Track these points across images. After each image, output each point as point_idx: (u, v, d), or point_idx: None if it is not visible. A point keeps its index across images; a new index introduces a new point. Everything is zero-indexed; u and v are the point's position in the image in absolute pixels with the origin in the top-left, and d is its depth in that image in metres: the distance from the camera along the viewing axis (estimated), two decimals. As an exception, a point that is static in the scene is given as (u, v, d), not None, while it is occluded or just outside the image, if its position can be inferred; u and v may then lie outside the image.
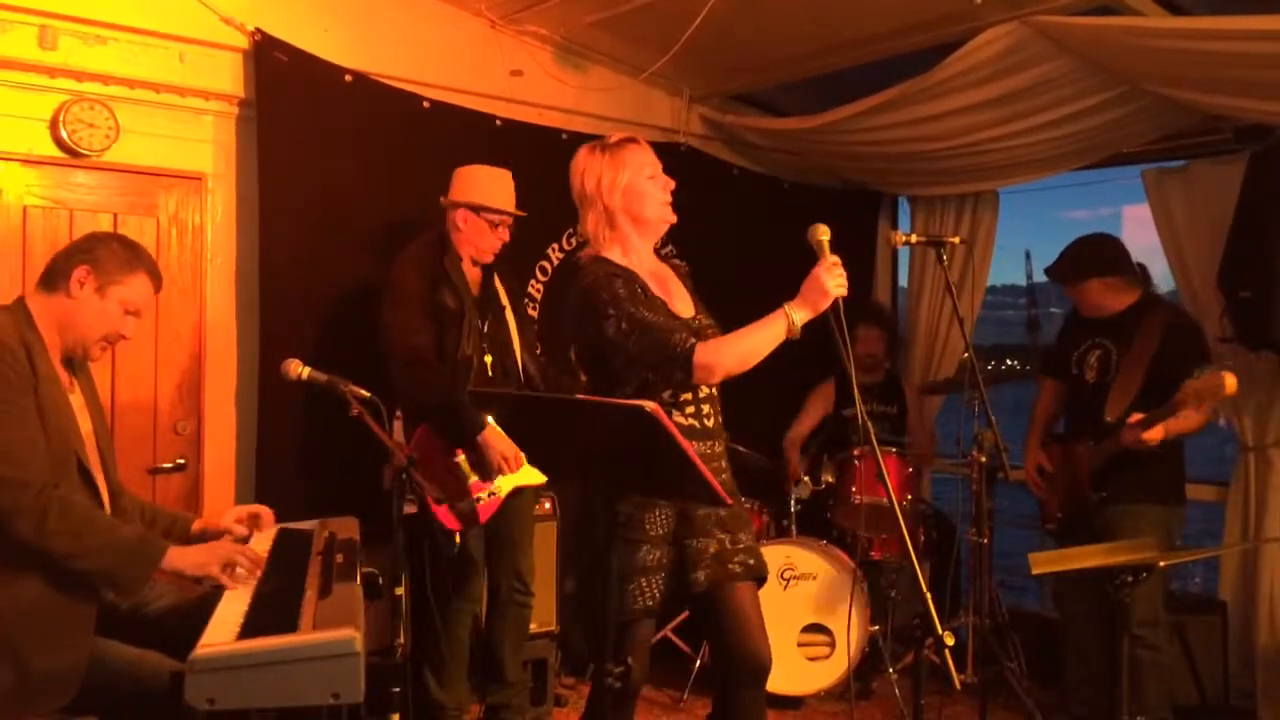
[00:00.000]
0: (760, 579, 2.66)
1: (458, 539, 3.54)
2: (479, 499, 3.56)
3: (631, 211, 2.67)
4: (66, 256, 2.54)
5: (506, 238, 3.70)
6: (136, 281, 2.57)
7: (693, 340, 2.51)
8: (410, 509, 3.47)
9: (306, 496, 3.81)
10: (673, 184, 2.71)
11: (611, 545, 2.36)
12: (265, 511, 2.88)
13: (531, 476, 3.65)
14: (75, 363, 2.60)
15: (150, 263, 2.63)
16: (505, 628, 3.83)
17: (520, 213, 3.70)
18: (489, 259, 3.69)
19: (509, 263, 3.91)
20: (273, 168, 3.84)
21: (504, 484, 3.61)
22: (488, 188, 3.64)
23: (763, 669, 2.61)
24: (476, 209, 3.62)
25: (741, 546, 2.62)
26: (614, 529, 2.38)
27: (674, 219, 2.70)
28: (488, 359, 3.61)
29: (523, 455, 3.51)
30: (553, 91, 4.68)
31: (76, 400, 2.54)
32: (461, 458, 3.55)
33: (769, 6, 4.04)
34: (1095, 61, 3.79)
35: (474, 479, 3.56)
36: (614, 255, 2.66)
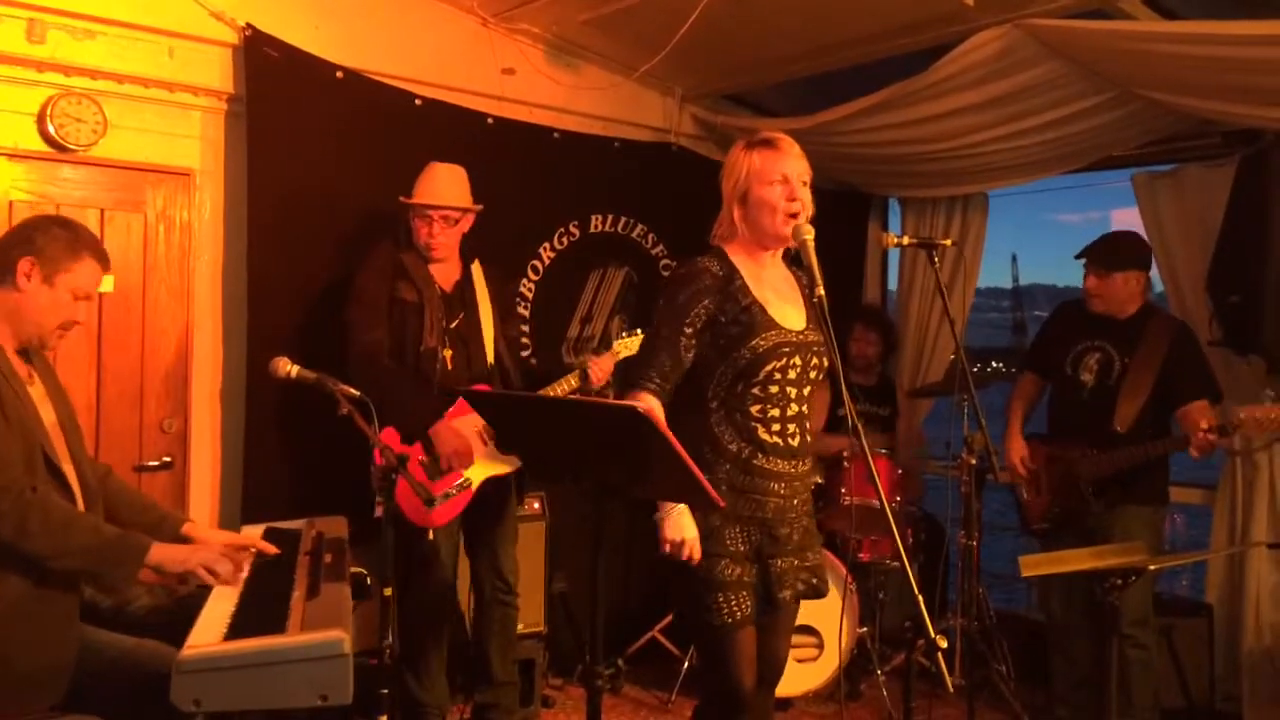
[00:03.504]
0: (820, 596, 2.73)
1: (431, 534, 3.53)
2: (449, 494, 3.54)
3: (749, 219, 2.62)
4: (6, 248, 2.47)
5: (449, 234, 3.63)
6: (83, 267, 2.51)
7: (643, 391, 2.52)
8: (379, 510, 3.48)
9: (293, 495, 3.80)
10: (797, 196, 2.58)
11: (603, 546, 2.36)
12: (264, 546, 2.76)
13: (504, 464, 3.65)
14: (31, 352, 2.55)
15: (93, 243, 2.57)
16: (491, 628, 3.81)
17: (444, 200, 3.61)
18: (435, 256, 3.66)
19: (497, 263, 3.89)
20: (262, 164, 3.81)
21: (475, 475, 3.59)
22: (419, 184, 3.65)
23: (780, 672, 2.76)
24: (407, 208, 3.64)
25: (808, 564, 2.68)
26: (601, 529, 2.38)
27: (787, 233, 2.58)
28: (447, 353, 3.62)
29: (475, 453, 3.54)
30: (544, 90, 4.67)
31: (37, 391, 2.50)
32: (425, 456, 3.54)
33: (762, 7, 4.02)
34: (1087, 65, 3.80)
35: (441, 475, 3.55)
36: (732, 251, 2.65)
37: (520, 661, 4.04)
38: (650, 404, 2.50)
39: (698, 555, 2.49)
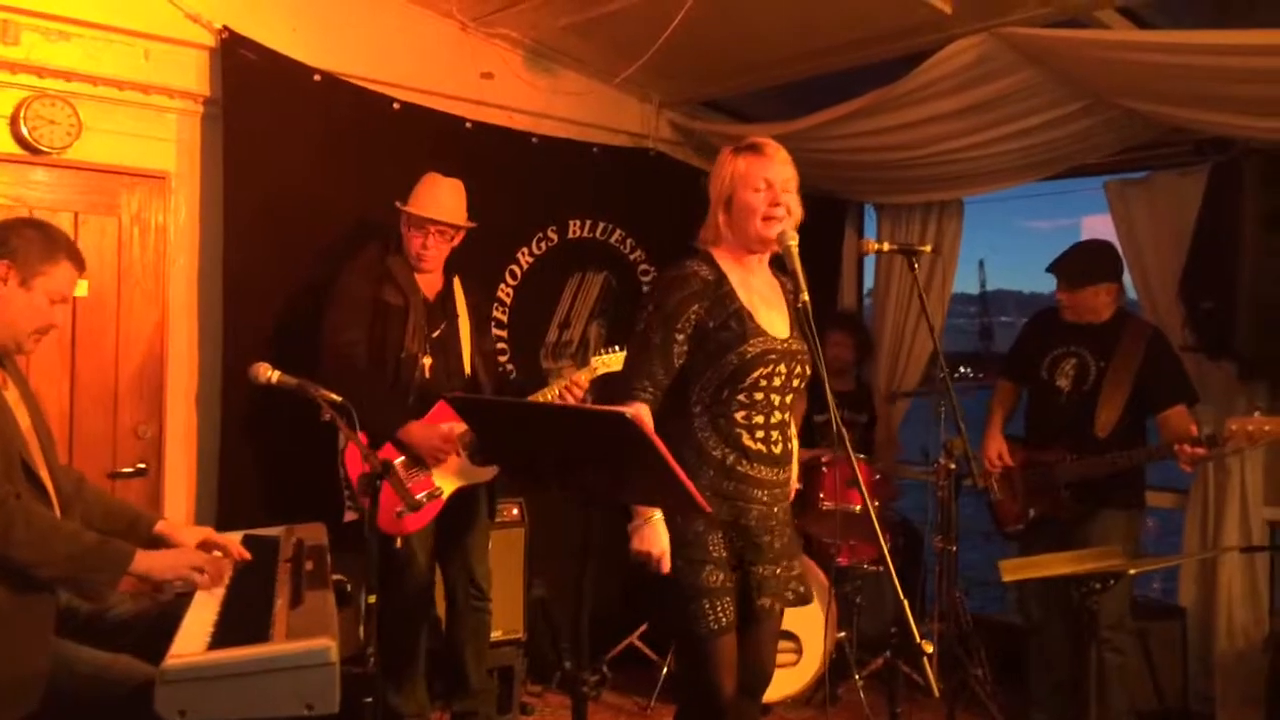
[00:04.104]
0: (806, 603, 2.75)
1: (399, 543, 3.51)
2: (419, 501, 3.51)
3: (733, 224, 2.62)
4: None
5: (442, 246, 3.62)
6: (59, 270, 2.49)
7: (637, 401, 2.51)
8: (351, 516, 3.47)
9: (269, 501, 3.76)
10: (780, 201, 2.59)
11: (590, 552, 2.35)
12: (236, 547, 2.75)
13: (476, 475, 3.63)
14: (4, 357, 2.52)
15: (69, 245, 2.55)
16: (464, 635, 3.79)
17: (450, 218, 3.61)
18: (424, 268, 3.64)
19: (475, 268, 3.87)
20: (238, 168, 3.78)
21: (446, 485, 3.56)
22: (420, 195, 3.61)
23: (767, 681, 2.79)
24: (404, 215, 3.61)
25: (794, 573, 2.69)
26: (589, 535, 2.38)
27: (770, 236, 2.58)
28: (426, 360, 3.60)
29: (449, 462, 3.50)
30: (523, 95, 4.66)
31: (12, 396, 2.47)
32: (397, 461, 3.50)
33: (740, 13, 4.03)
34: (1062, 73, 3.84)
35: (412, 482, 3.51)
36: (719, 255, 2.64)
37: (499, 669, 4.03)
38: (640, 411, 2.49)
39: (666, 567, 2.49)
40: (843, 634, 4.40)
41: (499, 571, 3.93)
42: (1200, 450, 3.49)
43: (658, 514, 2.49)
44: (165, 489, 3.81)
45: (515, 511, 4.23)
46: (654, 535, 2.48)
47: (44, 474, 2.45)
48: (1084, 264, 3.89)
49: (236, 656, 1.95)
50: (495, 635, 3.96)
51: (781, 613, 2.71)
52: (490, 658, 3.92)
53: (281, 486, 3.81)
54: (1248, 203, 3.90)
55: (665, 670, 4.35)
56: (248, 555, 2.72)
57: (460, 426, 3.46)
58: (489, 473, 3.66)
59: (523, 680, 4.23)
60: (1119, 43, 3.62)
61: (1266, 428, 3.34)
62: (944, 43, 3.87)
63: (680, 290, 2.56)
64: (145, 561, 2.40)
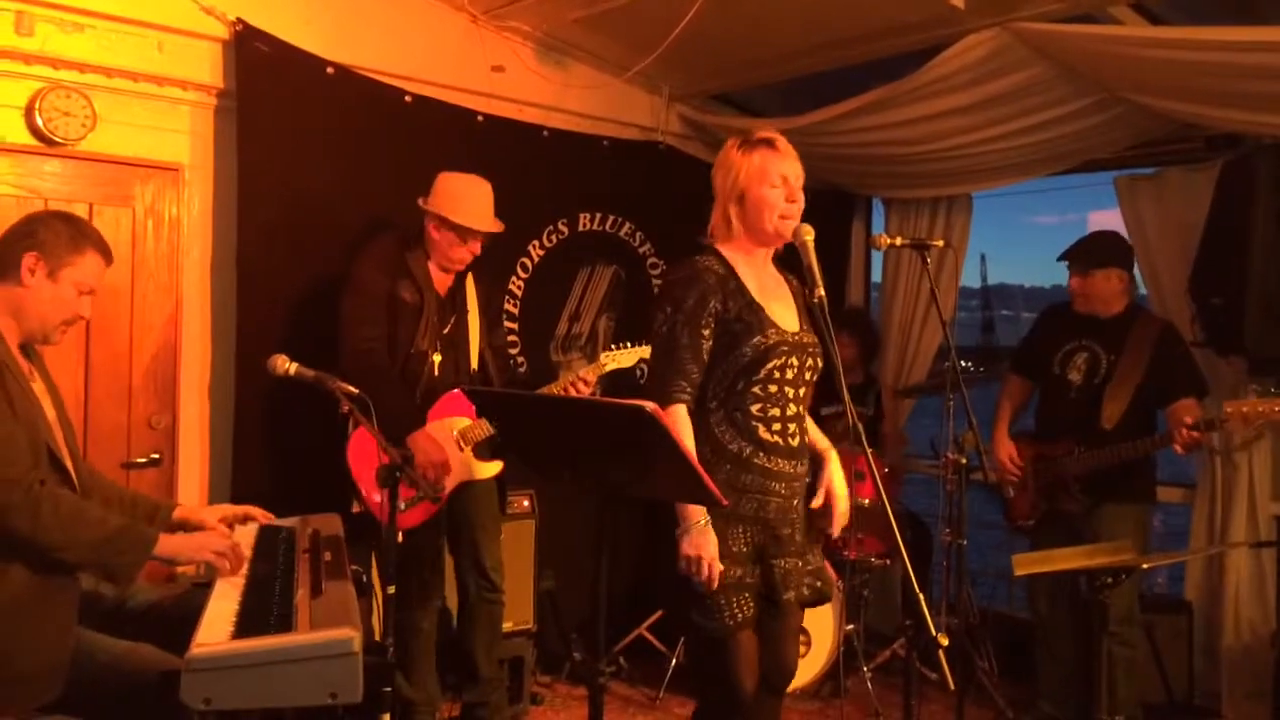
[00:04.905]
0: (826, 600, 2.74)
1: (400, 536, 3.51)
2: (436, 492, 3.51)
3: (747, 218, 2.61)
4: (9, 243, 2.47)
5: (478, 251, 3.63)
6: (86, 261, 2.50)
7: (678, 399, 2.50)
8: (357, 507, 3.48)
9: (282, 492, 3.77)
10: (796, 198, 2.60)
11: (602, 546, 2.37)
12: (258, 513, 2.81)
13: (479, 470, 3.64)
14: (30, 349, 2.55)
15: (96, 237, 2.56)
16: (476, 626, 3.80)
17: (497, 228, 3.62)
18: (458, 269, 3.65)
19: (487, 263, 3.88)
20: (251, 160, 3.78)
21: (447, 481, 3.56)
22: (464, 202, 3.56)
23: (790, 677, 2.78)
24: (449, 223, 3.55)
25: (810, 568, 2.67)
26: (604, 528, 2.39)
27: (788, 232, 2.59)
28: (436, 357, 3.60)
29: (451, 460, 3.48)
30: (534, 88, 4.67)
31: (38, 387, 2.50)
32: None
33: (751, 8, 4.04)
34: (1074, 69, 3.84)
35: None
36: (727, 251, 2.64)
37: (509, 659, 4.04)
38: (678, 412, 2.49)
39: (715, 578, 2.45)
40: (850, 627, 4.42)
41: (509, 563, 3.94)
42: (1196, 434, 3.50)
43: (704, 519, 2.45)
44: (179, 479, 3.83)
45: (526, 503, 4.25)
46: (703, 540, 2.44)
47: (68, 463, 2.48)
48: (1094, 249, 3.92)
49: (261, 646, 1.97)
50: (506, 626, 3.97)
51: (802, 608, 2.71)
52: (501, 648, 3.94)
53: (294, 477, 3.83)
54: (1259, 199, 3.91)
55: (674, 662, 4.37)
56: (272, 517, 2.80)
57: (452, 449, 3.50)
58: (493, 468, 3.67)
59: (533, 671, 4.25)
60: (1131, 38, 3.63)
61: (1261, 409, 3.36)
62: (956, 37, 3.88)
63: (696, 286, 2.56)
64: (169, 545, 2.44)
